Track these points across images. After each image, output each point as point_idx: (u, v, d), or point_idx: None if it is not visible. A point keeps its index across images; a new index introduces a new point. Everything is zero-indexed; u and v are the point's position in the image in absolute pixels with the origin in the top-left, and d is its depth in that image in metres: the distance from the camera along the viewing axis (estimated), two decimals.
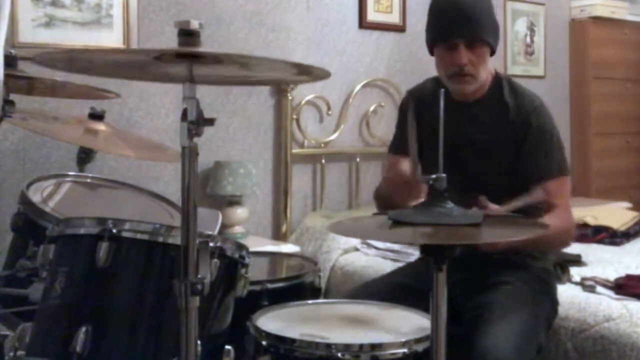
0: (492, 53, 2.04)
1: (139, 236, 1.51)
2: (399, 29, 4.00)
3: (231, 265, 1.59)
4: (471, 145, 2.07)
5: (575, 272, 2.55)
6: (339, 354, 1.49)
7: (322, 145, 3.69)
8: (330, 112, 3.70)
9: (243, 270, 1.62)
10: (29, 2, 2.84)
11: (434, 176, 1.46)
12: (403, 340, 1.52)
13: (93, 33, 2.99)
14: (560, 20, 4.96)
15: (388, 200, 1.97)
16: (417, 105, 2.14)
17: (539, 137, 2.03)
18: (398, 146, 2.20)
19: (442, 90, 1.56)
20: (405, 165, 2.14)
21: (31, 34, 2.84)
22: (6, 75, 1.62)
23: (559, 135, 2.08)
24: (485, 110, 2.08)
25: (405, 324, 1.68)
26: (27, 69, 2.01)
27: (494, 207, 1.70)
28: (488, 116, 2.07)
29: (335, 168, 3.77)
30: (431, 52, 2.08)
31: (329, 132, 3.74)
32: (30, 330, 1.52)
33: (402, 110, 2.26)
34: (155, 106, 3.18)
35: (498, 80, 2.10)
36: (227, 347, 1.61)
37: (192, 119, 1.28)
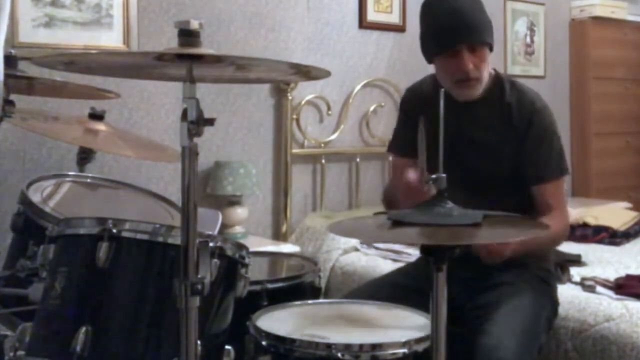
0: (491, 50, 2.04)
1: (139, 236, 1.50)
2: (399, 29, 4.00)
3: (231, 265, 1.59)
4: (472, 144, 2.07)
5: (575, 272, 2.55)
6: (339, 354, 1.48)
7: (322, 145, 3.69)
8: (330, 112, 3.70)
9: (243, 270, 1.61)
10: (29, 2, 2.83)
11: (434, 176, 1.46)
12: (403, 340, 1.52)
13: (93, 33, 2.98)
14: (560, 20, 4.96)
15: (396, 204, 1.97)
16: (417, 103, 2.14)
17: (540, 138, 2.03)
18: (400, 146, 2.19)
19: (442, 90, 1.56)
20: (411, 165, 2.14)
21: (31, 34, 2.84)
22: (6, 75, 1.62)
23: (559, 135, 2.08)
24: (486, 109, 2.07)
25: (405, 324, 1.68)
26: (27, 69, 2.01)
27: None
28: (489, 115, 2.07)
29: (335, 168, 3.77)
30: (429, 61, 2.07)
31: (329, 132, 3.74)
32: (30, 330, 1.52)
33: (403, 108, 2.25)
34: (155, 106, 3.18)
35: (499, 79, 2.10)
36: (227, 347, 1.61)
37: (192, 119, 1.28)
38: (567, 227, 2.10)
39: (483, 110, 2.07)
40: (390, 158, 2.38)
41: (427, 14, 2.03)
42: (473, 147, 2.07)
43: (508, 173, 2.05)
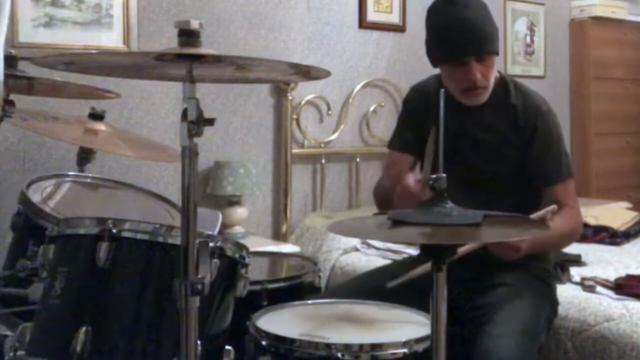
0: (497, 55, 2.03)
1: (139, 236, 1.50)
2: (399, 29, 4.00)
3: (231, 265, 1.59)
4: (477, 146, 2.06)
5: (575, 272, 2.55)
6: (339, 354, 1.48)
7: (322, 145, 3.69)
8: (330, 112, 3.70)
9: (243, 270, 1.61)
10: (29, 2, 2.84)
11: (434, 176, 1.46)
12: (403, 340, 1.52)
13: (93, 33, 2.98)
14: (560, 20, 4.96)
15: (388, 202, 1.97)
16: (422, 102, 2.14)
17: (546, 141, 2.03)
18: (400, 144, 2.20)
19: (442, 90, 1.56)
20: (407, 163, 2.14)
21: (31, 34, 2.84)
22: (6, 75, 1.62)
23: (564, 138, 2.09)
24: (491, 111, 2.07)
25: (405, 323, 1.68)
26: (27, 69, 2.01)
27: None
28: (494, 118, 2.06)
29: (335, 168, 3.77)
30: (434, 65, 2.06)
31: (329, 132, 3.74)
32: (30, 330, 1.52)
33: (406, 105, 2.25)
34: (155, 106, 3.18)
35: (503, 82, 2.09)
36: (227, 347, 1.61)
37: (192, 119, 1.28)
38: (580, 223, 2.10)
39: (488, 112, 2.07)
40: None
41: (434, 21, 2.01)
42: (476, 148, 2.06)
43: (510, 174, 2.05)
